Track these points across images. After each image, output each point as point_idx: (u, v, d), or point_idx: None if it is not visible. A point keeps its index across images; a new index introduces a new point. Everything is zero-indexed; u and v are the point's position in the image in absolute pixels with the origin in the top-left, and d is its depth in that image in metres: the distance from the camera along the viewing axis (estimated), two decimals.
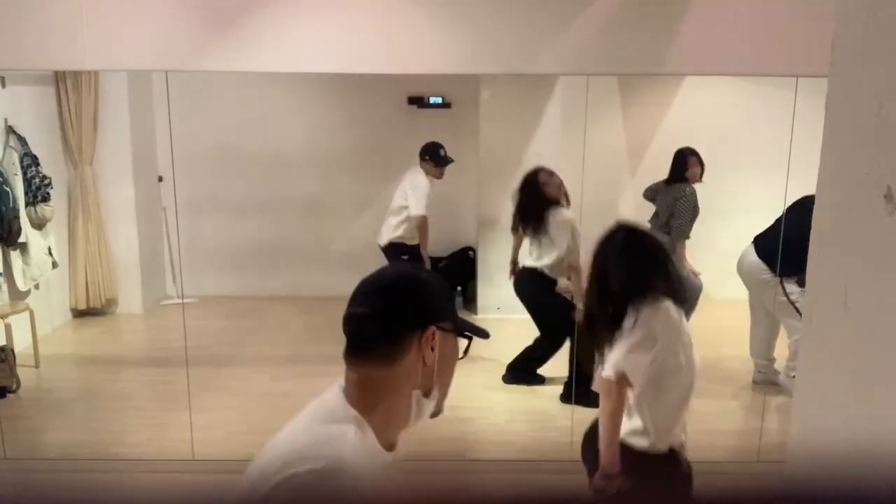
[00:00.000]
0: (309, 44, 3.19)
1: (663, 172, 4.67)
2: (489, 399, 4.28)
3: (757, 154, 4.48)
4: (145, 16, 3.14)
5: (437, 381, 1.19)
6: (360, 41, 3.19)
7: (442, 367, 1.18)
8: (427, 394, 1.18)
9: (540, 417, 4.07)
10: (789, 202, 3.76)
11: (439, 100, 5.66)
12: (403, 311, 1.16)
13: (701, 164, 4.66)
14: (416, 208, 4.77)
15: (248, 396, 4.27)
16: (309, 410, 1.16)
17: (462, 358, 1.23)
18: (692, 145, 4.71)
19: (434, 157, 4.84)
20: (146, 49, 3.18)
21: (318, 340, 5.02)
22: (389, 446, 1.16)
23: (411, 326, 1.15)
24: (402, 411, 1.17)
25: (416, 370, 1.16)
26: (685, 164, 4.61)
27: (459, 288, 5.73)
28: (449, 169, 4.89)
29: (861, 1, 0.87)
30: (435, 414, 1.22)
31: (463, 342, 1.22)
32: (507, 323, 4.42)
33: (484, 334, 1.23)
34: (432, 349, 1.16)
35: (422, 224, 4.82)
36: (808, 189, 1.09)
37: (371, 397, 1.15)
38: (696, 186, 4.54)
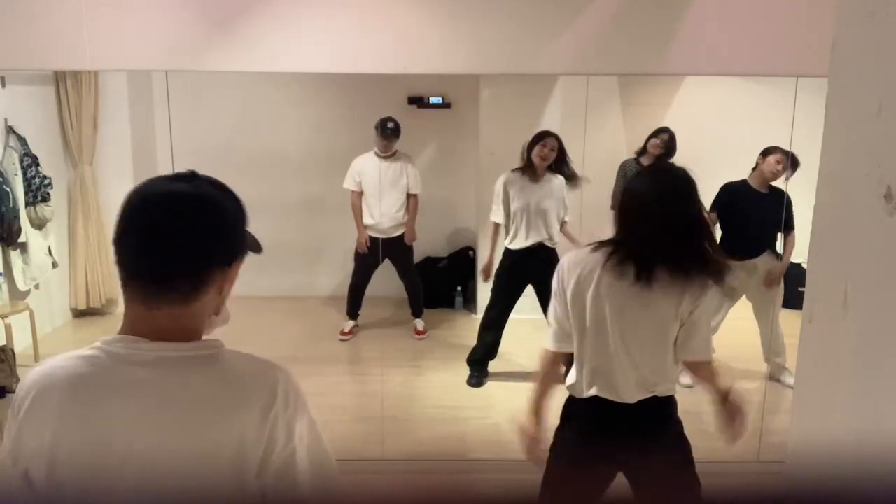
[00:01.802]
0: (309, 44, 3.19)
1: None
2: (489, 399, 4.28)
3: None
4: (145, 16, 3.14)
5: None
6: (360, 41, 3.19)
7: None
8: (217, 313, 1.15)
9: None
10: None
11: (439, 100, 5.65)
12: (213, 249, 1.07)
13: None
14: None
15: None
16: (184, 389, 1.07)
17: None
18: (692, 145, 4.71)
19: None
20: (146, 49, 3.18)
21: (318, 340, 5.01)
22: None
23: (218, 264, 1.09)
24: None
25: (213, 301, 1.11)
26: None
27: (459, 288, 5.73)
28: (449, 169, 4.87)
29: (861, 1, 0.87)
30: (222, 322, 1.18)
31: None
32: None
33: (258, 248, 1.18)
34: (232, 281, 1.12)
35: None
36: (809, 188, 1.08)
37: (190, 332, 1.10)
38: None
